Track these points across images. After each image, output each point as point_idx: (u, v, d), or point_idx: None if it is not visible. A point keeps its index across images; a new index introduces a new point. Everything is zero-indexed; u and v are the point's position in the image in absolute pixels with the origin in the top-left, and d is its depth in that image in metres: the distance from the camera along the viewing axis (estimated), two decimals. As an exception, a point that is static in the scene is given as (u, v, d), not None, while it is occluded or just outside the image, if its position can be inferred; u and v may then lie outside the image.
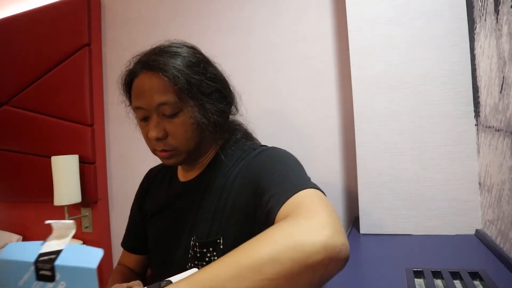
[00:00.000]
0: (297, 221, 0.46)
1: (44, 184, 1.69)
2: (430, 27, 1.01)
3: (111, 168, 1.73)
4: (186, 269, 0.67)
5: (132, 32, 1.65)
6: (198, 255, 0.68)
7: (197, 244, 0.69)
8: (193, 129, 0.69)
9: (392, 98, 1.05)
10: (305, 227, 0.44)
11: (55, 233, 0.43)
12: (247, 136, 0.85)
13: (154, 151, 0.73)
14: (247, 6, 1.41)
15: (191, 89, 0.67)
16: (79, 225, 1.74)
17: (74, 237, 1.71)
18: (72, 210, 1.69)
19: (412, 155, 1.02)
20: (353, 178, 1.16)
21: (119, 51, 1.70)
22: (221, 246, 0.67)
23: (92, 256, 0.40)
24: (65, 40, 1.71)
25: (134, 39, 1.65)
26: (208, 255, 0.67)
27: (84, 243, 1.69)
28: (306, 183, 0.57)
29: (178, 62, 0.67)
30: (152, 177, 0.92)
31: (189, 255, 0.70)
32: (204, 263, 0.67)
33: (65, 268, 0.40)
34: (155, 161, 0.90)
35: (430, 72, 1.01)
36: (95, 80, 1.69)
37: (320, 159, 1.30)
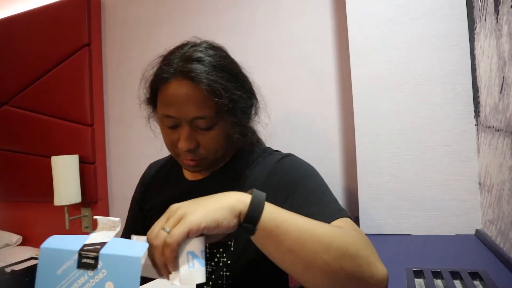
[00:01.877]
0: (370, 246, 0.49)
1: (44, 184, 1.69)
2: (430, 27, 1.01)
3: (111, 168, 1.73)
4: None
5: (132, 32, 1.65)
6: (208, 255, 0.68)
7: (206, 245, 0.68)
8: (224, 141, 0.68)
9: (392, 98, 1.05)
10: (376, 256, 0.48)
11: (100, 228, 0.44)
12: (258, 139, 0.85)
13: (177, 157, 0.71)
14: (247, 6, 1.41)
15: (233, 106, 0.64)
16: (79, 225, 1.74)
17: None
18: (72, 210, 1.69)
19: (412, 155, 1.02)
20: (353, 178, 1.16)
21: (119, 51, 1.70)
22: (232, 248, 0.67)
23: (137, 248, 0.41)
24: (65, 40, 1.71)
25: (134, 39, 1.65)
26: (218, 255, 0.67)
27: (84, 243, 1.69)
28: (341, 210, 0.60)
29: (220, 74, 0.62)
30: (153, 172, 0.88)
31: None
32: (213, 263, 0.67)
33: (110, 257, 0.40)
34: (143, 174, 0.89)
35: (430, 72, 1.01)
36: (95, 80, 1.69)
37: (320, 159, 1.29)
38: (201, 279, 0.42)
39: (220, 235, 0.47)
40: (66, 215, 1.59)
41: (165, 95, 0.64)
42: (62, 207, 1.58)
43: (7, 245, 1.81)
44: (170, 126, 0.66)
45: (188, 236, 0.41)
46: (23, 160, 1.82)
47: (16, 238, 1.85)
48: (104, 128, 1.73)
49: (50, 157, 1.57)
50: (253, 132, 0.80)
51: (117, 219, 0.44)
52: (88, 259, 0.41)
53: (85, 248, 0.41)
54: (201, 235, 0.44)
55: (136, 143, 1.64)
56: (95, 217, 0.45)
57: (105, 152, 1.73)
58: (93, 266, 0.40)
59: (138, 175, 0.93)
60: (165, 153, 0.88)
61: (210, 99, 0.61)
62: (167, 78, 0.63)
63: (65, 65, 1.71)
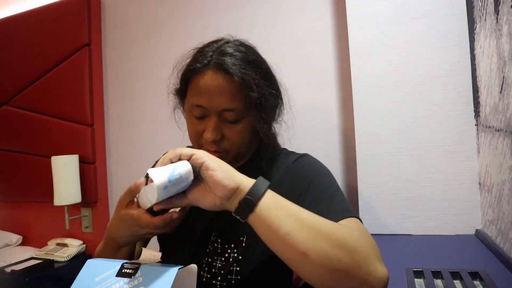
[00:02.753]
0: (372, 246, 0.50)
1: (44, 184, 1.69)
2: (430, 27, 1.01)
3: (111, 168, 1.73)
4: (202, 263, 0.68)
5: (132, 32, 1.65)
6: (219, 250, 0.68)
7: (218, 240, 0.69)
8: (249, 136, 0.69)
9: (392, 98, 1.05)
10: (377, 256, 0.48)
11: (143, 256, 0.50)
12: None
13: (199, 149, 0.71)
14: (247, 6, 1.41)
15: (263, 102, 0.66)
16: (79, 225, 1.74)
17: (74, 236, 1.71)
18: (72, 210, 1.69)
19: (412, 155, 1.02)
20: (353, 178, 1.16)
21: (119, 51, 1.70)
22: (243, 244, 0.67)
23: (173, 266, 0.46)
24: (65, 40, 1.71)
25: (134, 39, 1.65)
26: (229, 251, 0.68)
27: (84, 243, 1.69)
28: (350, 210, 0.61)
29: (253, 70, 0.65)
30: None
31: (208, 250, 0.69)
32: (223, 259, 0.67)
33: (149, 268, 0.46)
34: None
35: (430, 72, 1.01)
36: (95, 80, 1.69)
37: (320, 159, 1.29)
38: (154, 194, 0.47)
39: (187, 202, 0.53)
40: (66, 215, 1.58)
41: (198, 85, 0.65)
42: (62, 207, 1.58)
43: (7, 245, 1.81)
44: (198, 116, 0.66)
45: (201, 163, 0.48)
46: (23, 160, 1.82)
47: (16, 238, 1.85)
48: (104, 128, 1.73)
49: (50, 157, 1.57)
50: (275, 134, 0.81)
51: (159, 253, 0.50)
52: (128, 269, 0.46)
53: (128, 262, 0.47)
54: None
55: (136, 143, 1.64)
56: (142, 248, 0.52)
57: (105, 152, 1.73)
58: (131, 275, 0.45)
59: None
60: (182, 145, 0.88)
61: (242, 92, 0.63)
62: (201, 69, 0.65)
63: (65, 65, 1.71)
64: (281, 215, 0.47)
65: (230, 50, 0.66)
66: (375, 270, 0.46)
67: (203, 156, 0.49)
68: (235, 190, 0.49)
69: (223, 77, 0.63)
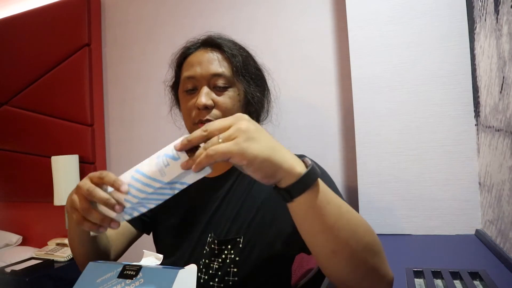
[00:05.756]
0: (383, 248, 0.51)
1: (44, 184, 1.69)
2: (430, 27, 1.01)
3: (111, 168, 1.73)
4: (199, 265, 0.67)
5: (132, 32, 1.65)
6: (216, 252, 0.68)
7: (215, 241, 0.69)
8: (238, 106, 0.73)
9: (392, 98, 1.05)
10: (385, 260, 0.50)
11: (145, 258, 0.50)
12: None
13: (193, 126, 0.71)
14: (247, 6, 1.41)
15: (246, 69, 0.74)
16: (79, 225, 1.74)
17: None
18: (72, 210, 1.69)
19: (412, 155, 1.02)
20: (353, 178, 1.16)
21: (119, 51, 1.70)
22: (240, 245, 0.67)
23: (175, 268, 0.46)
24: (65, 40, 1.71)
25: (134, 39, 1.65)
26: (225, 252, 0.67)
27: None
28: None
29: (236, 47, 0.76)
30: None
31: (205, 251, 0.69)
32: (220, 260, 0.67)
33: (151, 269, 0.46)
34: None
35: (430, 72, 1.01)
36: (95, 80, 1.69)
37: (320, 159, 1.29)
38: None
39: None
40: (66, 215, 1.58)
41: (190, 61, 0.74)
42: (62, 207, 1.58)
43: (7, 245, 1.81)
44: (189, 89, 0.72)
45: (227, 159, 0.40)
46: (23, 160, 1.82)
47: (16, 238, 1.85)
48: (104, 128, 1.73)
49: (50, 157, 1.57)
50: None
51: (161, 255, 0.50)
52: (130, 271, 0.46)
53: (130, 264, 0.48)
54: None
55: (136, 143, 1.64)
56: (144, 250, 0.52)
57: (105, 152, 1.73)
58: (132, 276, 0.45)
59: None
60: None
61: (229, 59, 0.72)
62: (192, 50, 0.75)
63: (65, 65, 1.71)
64: (321, 213, 0.43)
65: (214, 34, 0.78)
66: (388, 274, 0.49)
67: (241, 158, 0.40)
68: (281, 178, 0.43)
69: (211, 50, 0.73)
